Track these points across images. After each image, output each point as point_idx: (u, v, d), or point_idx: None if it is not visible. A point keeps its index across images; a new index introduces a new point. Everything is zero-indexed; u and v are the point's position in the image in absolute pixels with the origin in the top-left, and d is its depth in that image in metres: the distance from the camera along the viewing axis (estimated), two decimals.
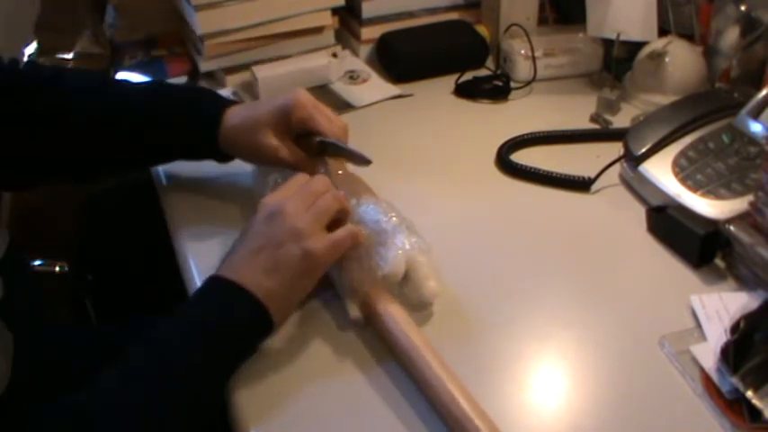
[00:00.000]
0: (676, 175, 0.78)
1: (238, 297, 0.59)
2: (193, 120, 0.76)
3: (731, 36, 0.94)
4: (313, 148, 0.75)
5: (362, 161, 0.74)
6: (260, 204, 0.64)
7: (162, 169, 0.88)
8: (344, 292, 0.65)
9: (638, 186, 0.83)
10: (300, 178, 0.67)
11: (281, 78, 1.04)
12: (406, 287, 0.65)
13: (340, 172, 0.74)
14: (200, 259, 0.74)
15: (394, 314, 0.62)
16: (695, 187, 0.76)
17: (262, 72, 1.04)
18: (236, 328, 0.59)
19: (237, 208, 0.81)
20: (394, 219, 0.67)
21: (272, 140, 0.73)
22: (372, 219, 0.67)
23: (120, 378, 0.55)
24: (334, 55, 1.13)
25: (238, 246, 0.63)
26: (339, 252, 0.63)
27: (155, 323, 0.58)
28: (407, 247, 0.64)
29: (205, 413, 0.58)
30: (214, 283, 0.61)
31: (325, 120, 0.74)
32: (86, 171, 0.80)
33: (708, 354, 0.61)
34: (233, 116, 0.75)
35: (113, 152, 0.77)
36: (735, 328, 0.61)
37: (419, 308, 0.66)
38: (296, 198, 0.64)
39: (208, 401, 0.59)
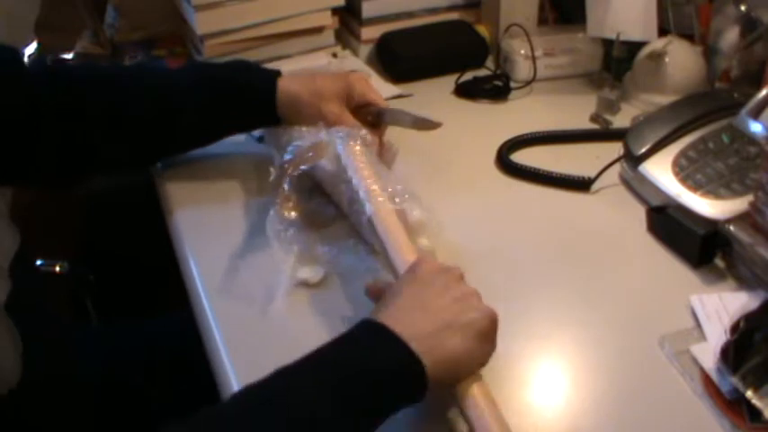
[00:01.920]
0: (676, 174, 0.78)
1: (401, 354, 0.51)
2: (251, 88, 0.80)
3: (731, 36, 0.94)
4: (368, 119, 0.81)
5: (431, 125, 0.82)
6: (415, 264, 0.58)
7: (162, 168, 0.88)
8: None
9: (638, 186, 0.83)
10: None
11: None
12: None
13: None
14: (200, 258, 0.74)
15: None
16: (695, 187, 0.76)
17: None
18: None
19: (238, 207, 0.81)
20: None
21: (335, 108, 0.79)
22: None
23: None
24: (334, 55, 1.13)
25: (408, 302, 0.55)
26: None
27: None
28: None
29: None
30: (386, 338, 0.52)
31: (379, 95, 0.82)
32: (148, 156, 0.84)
33: (708, 354, 0.61)
34: (290, 84, 0.80)
35: (173, 135, 0.81)
36: (735, 328, 0.61)
37: None
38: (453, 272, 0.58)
39: None
